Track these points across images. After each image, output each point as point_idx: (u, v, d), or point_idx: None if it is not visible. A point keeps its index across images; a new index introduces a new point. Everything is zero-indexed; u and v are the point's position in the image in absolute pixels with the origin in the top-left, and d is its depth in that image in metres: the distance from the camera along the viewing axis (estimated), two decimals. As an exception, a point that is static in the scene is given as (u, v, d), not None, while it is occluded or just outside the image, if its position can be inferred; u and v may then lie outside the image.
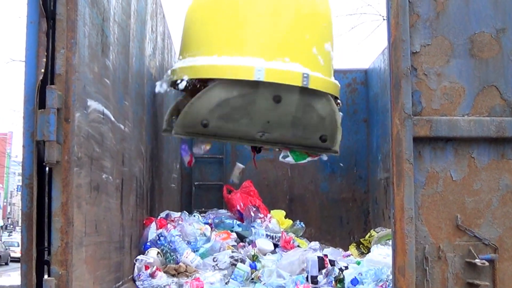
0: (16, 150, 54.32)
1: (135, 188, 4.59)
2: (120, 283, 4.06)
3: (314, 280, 4.60)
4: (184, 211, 5.78)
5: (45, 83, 2.90)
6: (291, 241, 5.46)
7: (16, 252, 32.16)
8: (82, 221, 3.11)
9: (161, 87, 5.68)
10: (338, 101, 5.70)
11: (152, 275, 4.38)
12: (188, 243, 4.96)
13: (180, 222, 5.30)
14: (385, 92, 7.22)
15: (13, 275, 21.09)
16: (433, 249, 3.25)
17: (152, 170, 5.54)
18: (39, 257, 2.87)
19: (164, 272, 4.54)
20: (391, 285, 4.38)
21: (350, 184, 8.11)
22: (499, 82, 3.34)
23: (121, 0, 4.06)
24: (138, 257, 4.54)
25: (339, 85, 5.66)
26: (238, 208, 5.91)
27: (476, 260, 3.20)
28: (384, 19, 14.38)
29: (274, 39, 5.29)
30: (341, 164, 7.71)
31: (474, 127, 3.27)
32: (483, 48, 3.35)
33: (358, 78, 8.20)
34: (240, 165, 6.58)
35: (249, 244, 5.32)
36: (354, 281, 4.44)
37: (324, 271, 4.56)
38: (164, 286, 4.34)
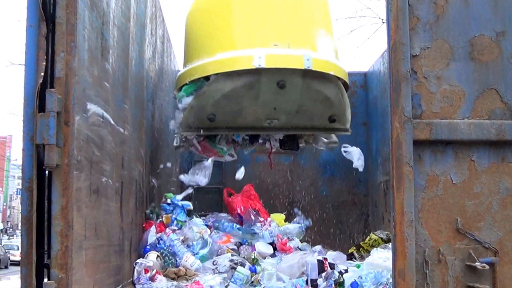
0: (16, 153, 54.38)
1: (134, 191, 4.59)
2: (120, 286, 4.05)
3: (314, 284, 4.59)
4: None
5: (44, 86, 2.90)
6: (287, 243, 5.44)
7: (16, 256, 32.15)
8: (82, 225, 3.11)
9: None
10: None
11: (151, 279, 4.37)
12: (188, 246, 4.95)
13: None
14: (384, 95, 7.22)
15: (13, 278, 21.09)
16: (433, 252, 3.24)
17: (152, 173, 5.53)
18: (39, 260, 2.87)
19: (164, 275, 4.54)
20: (391, 288, 4.38)
21: (349, 187, 8.10)
22: (499, 85, 3.34)
23: (121, 3, 4.05)
24: (138, 260, 4.53)
25: (346, 70, 5.71)
26: (239, 211, 5.90)
27: (477, 264, 3.19)
28: (383, 22, 14.38)
29: (273, 26, 5.36)
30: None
31: (474, 130, 3.27)
32: (483, 51, 3.35)
33: (357, 81, 8.19)
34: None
35: (250, 246, 5.31)
36: (354, 285, 4.43)
37: (324, 274, 4.55)
38: (163, 288, 4.34)
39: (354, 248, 5.68)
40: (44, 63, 2.92)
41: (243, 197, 6.18)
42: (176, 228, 5.28)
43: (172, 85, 6.95)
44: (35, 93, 2.86)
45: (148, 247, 4.82)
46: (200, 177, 6.18)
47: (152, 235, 4.93)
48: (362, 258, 5.42)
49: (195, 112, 5.46)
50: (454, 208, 3.27)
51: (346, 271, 4.69)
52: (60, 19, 2.94)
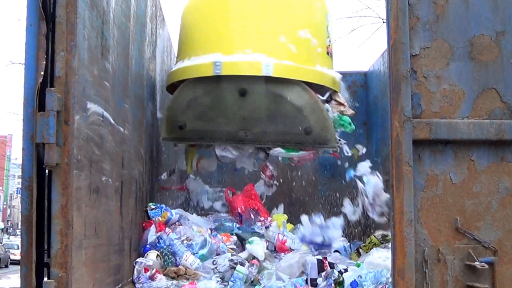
0: (16, 152, 54.31)
1: (134, 190, 4.59)
2: (120, 285, 4.05)
3: (314, 283, 4.59)
4: (182, 215, 5.75)
5: (44, 85, 2.90)
6: (286, 243, 5.43)
7: (16, 255, 32.16)
8: (81, 224, 3.11)
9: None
10: (339, 94, 5.64)
11: (151, 278, 4.38)
12: (188, 246, 4.95)
13: (179, 225, 5.30)
14: (384, 94, 7.20)
15: (13, 277, 21.09)
16: (432, 251, 3.24)
17: (152, 172, 5.54)
18: (39, 259, 2.87)
19: (164, 274, 4.54)
20: (390, 287, 4.38)
21: (349, 187, 8.09)
22: (499, 85, 3.34)
23: (121, 2, 4.05)
24: (138, 259, 4.53)
25: (336, 76, 5.59)
26: (239, 211, 5.90)
27: (476, 263, 3.19)
28: (383, 22, 14.37)
29: (234, 32, 5.35)
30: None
31: (473, 130, 3.27)
32: (483, 51, 3.35)
33: (357, 80, 8.18)
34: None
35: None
36: (354, 284, 4.43)
37: (323, 273, 4.55)
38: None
39: (355, 252, 5.66)
40: (44, 62, 2.92)
41: (244, 196, 6.17)
42: (177, 220, 5.31)
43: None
44: (35, 92, 2.87)
45: (148, 246, 4.82)
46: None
47: (152, 234, 4.93)
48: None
49: (168, 120, 5.57)
50: (453, 207, 3.27)
51: (346, 270, 4.69)
52: (60, 18, 2.94)
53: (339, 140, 5.87)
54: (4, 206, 60.47)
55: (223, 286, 4.53)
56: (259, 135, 5.56)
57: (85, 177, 3.17)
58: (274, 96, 5.22)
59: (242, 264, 4.76)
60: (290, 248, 5.36)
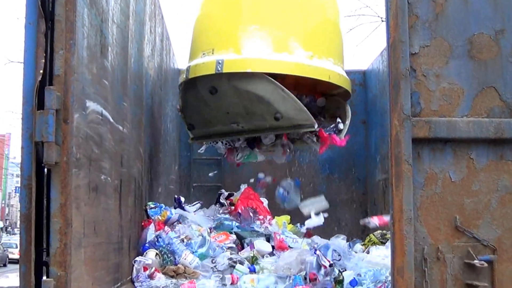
0: (14, 151, 54.31)
1: (133, 189, 4.58)
2: (119, 284, 4.05)
3: (313, 278, 4.59)
4: (181, 214, 5.75)
5: (43, 84, 2.89)
6: (284, 241, 5.44)
7: (14, 254, 32.14)
8: (80, 222, 3.11)
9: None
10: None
11: (150, 276, 4.37)
12: (187, 244, 4.95)
13: (178, 224, 5.30)
14: (383, 93, 7.21)
15: (11, 276, 21.07)
16: (432, 250, 3.24)
17: (151, 171, 5.53)
18: (38, 258, 2.87)
19: (163, 273, 4.54)
20: (390, 286, 4.38)
21: (348, 185, 8.10)
22: (498, 83, 3.34)
23: (120, 1, 4.05)
24: (137, 258, 4.53)
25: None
26: (239, 210, 5.91)
27: (475, 261, 3.20)
28: (382, 21, 14.38)
29: (202, 36, 5.75)
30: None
31: (473, 128, 3.27)
32: (482, 49, 3.35)
33: (356, 79, 8.18)
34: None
35: (248, 245, 5.31)
36: (353, 282, 4.44)
37: (322, 272, 4.54)
38: (162, 287, 4.33)
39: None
40: (43, 61, 2.91)
41: (243, 197, 6.18)
42: (176, 219, 5.32)
43: (171, 82, 6.95)
44: (34, 90, 2.86)
45: (147, 245, 4.81)
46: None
47: (151, 233, 4.93)
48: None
49: (186, 122, 6.04)
50: (452, 206, 3.27)
51: (345, 269, 4.69)
52: (59, 16, 2.94)
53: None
54: (3, 205, 60.45)
55: (222, 285, 4.53)
56: (249, 127, 5.75)
57: (84, 176, 3.16)
58: (239, 90, 5.41)
59: (241, 263, 4.76)
60: (289, 246, 5.37)
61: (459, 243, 3.25)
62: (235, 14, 5.61)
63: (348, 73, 8.24)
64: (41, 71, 2.89)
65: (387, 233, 5.38)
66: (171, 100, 6.95)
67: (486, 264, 3.21)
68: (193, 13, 6.09)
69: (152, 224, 5.05)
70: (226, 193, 6.41)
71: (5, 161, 52.31)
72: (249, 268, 4.78)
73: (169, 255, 4.77)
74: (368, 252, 5.19)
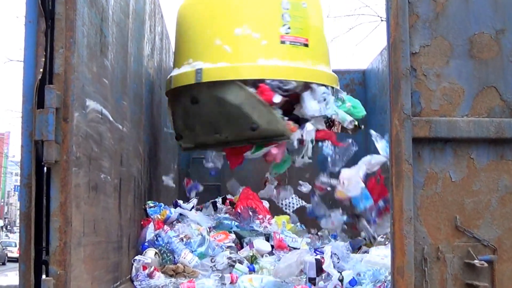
0: (14, 150, 54.28)
1: (133, 188, 4.58)
2: (118, 283, 4.05)
3: (312, 282, 4.58)
4: (180, 213, 5.74)
5: (43, 82, 2.89)
6: (283, 240, 5.43)
7: (13, 252, 32.15)
8: (80, 221, 3.10)
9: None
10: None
11: (150, 275, 4.36)
12: (186, 244, 4.94)
13: (177, 223, 5.30)
14: (383, 93, 7.21)
15: (10, 275, 21.07)
16: (432, 250, 3.24)
17: (150, 170, 5.53)
18: (37, 257, 2.86)
19: (162, 272, 4.53)
20: (389, 286, 4.37)
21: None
22: (499, 83, 3.34)
23: (120, 0, 4.05)
24: (136, 257, 4.52)
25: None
26: (239, 210, 5.90)
27: (475, 261, 3.19)
28: (382, 20, 14.37)
29: (181, 46, 5.77)
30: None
31: (473, 128, 3.26)
32: (483, 49, 3.34)
33: (356, 79, 8.18)
34: None
35: (247, 245, 5.31)
36: (353, 282, 4.42)
37: (324, 274, 4.53)
38: (162, 286, 4.32)
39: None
40: (43, 59, 2.91)
41: (242, 197, 6.17)
42: (176, 218, 5.35)
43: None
44: (34, 89, 2.85)
45: (146, 244, 4.81)
46: None
47: (150, 232, 4.92)
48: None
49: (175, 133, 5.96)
50: (453, 205, 3.27)
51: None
52: (59, 15, 2.93)
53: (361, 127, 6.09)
54: (2, 203, 60.44)
55: (221, 284, 4.53)
56: (233, 137, 5.65)
57: (84, 175, 3.16)
58: (217, 100, 5.36)
59: (240, 262, 4.76)
60: (288, 246, 5.36)
61: (459, 243, 3.25)
62: (213, 23, 5.55)
63: (348, 72, 8.26)
64: (41, 70, 2.89)
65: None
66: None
67: (486, 264, 3.20)
68: (172, 24, 6.06)
69: (152, 223, 5.05)
70: (220, 199, 6.38)
71: (4, 160, 52.31)
72: (248, 267, 4.77)
73: (168, 254, 4.76)
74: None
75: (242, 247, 5.29)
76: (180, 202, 5.89)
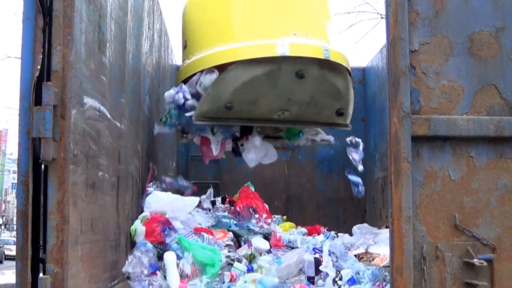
0: (11, 147, 54.31)
1: (131, 186, 4.58)
2: (116, 281, 4.05)
3: (311, 281, 4.59)
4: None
5: (41, 79, 2.89)
6: (281, 240, 5.43)
7: (12, 250, 32.10)
8: (77, 219, 3.10)
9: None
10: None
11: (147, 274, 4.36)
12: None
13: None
14: (383, 90, 7.21)
15: (8, 273, 21.02)
16: (431, 248, 3.24)
17: (148, 168, 5.53)
18: (35, 255, 2.86)
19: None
20: (388, 285, 4.38)
21: (347, 183, 8.04)
22: (498, 81, 3.34)
23: (118, -4, 4.05)
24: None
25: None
26: (238, 209, 5.91)
27: (474, 260, 3.20)
28: (382, 18, 14.35)
29: (290, 15, 5.43)
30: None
31: (472, 126, 3.27)
32: (482, 46, 3.35)
33: (355, 76, 8.16)
34: None
35: (244, 243, 5.31)
36: (351, 281, 4.44)
37: (322, 273, 4.54)
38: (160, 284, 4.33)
39: None
40: (41, 56, 2.90)
41: (242, 196, 6.18)
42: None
43: (169, 79, 6.94)
44: (31, 86, 2.85)
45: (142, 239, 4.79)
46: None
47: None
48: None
49: (212, 100, 5.39)
50: (452, 204, 3.27)
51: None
52: (57, 11, 2.93)
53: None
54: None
55: (221, 282, 4.53)
56: (291, 116, 5.71)
57: (81, 172, 3.16)
58: (324, 80, 5.42)
59: (239, 261, 4.77)
60: (286, 245, 5.36)
61: (459, 242, 3.25)
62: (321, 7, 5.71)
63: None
64: (39, 67, 2.89)
65: None
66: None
67: (485, 263, 3.21)
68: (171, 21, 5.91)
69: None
70: (219, 198, 6.37)
71: (2, 157, 52.24)
72: (247, 266, 4.78)
73: (165, 252, 4.75)
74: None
75: (240, 246, 5.30)
76: None
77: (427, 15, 3.34)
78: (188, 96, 5.46)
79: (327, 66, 5.34)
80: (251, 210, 5.85)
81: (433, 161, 3.29)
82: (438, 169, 3.29)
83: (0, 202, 59.92)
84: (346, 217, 7.96)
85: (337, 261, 4.70)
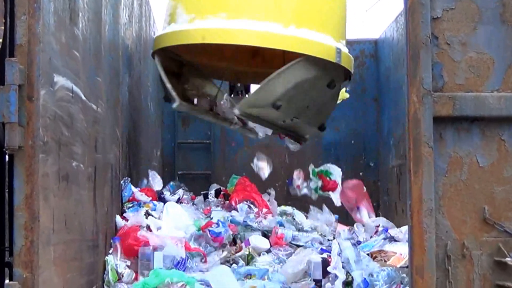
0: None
1: (110, 178, 4.58)
2: (94, 287, 4.05)
3: (318, 284, 4.60)
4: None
5: (3, 55, 2.87)
6: (284, 238, 5.45)
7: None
8: (49, 216, 3.09)
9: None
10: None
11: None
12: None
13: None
14: (398, 66, 7.21)
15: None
16: (456, 246, 3.23)
17: (129, 157, 5.53)
18: (-1, 258, 2.86)
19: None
20: (406, 287, 4.39)
21: (357, 173, 8.11)
22: (534, 52, 3.32)
23: (92, -41, 4.02)
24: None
25: None
26: (233, 203, 5.93)
27: (507, 259, 3.19)
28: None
29: (334, 15, 5.50)
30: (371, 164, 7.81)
31: (504, 105, 3.24)
32: (517, 12, 3.32)
33: (366, 50, 8.20)
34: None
35: (241, 241, 5.32)
36: (364, 283, 4.45)
37: (330, 275, 4.55)
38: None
39: None
40: (3, 28, 2.89)
41: (239, 189, 6.19)
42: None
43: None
44: (-8, 63, 2.84)
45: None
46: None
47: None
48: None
49: (264, 95, 5.41)
50: (480, 195, 3.26)
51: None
52: (21, -25, 2.90)
53: None
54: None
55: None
56: (292, 124, 5.79)
57: (52, 162, 3.15)
58: (336, 92, 5.65)
59: (236, 262, 4.78)
60: (290, 243, 5.37)
61: (488, 238, 3.24)
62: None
63: (357, 42, 8.27)
64: (1, 40, 2.87)
65: None
66: (152, 75, 6.92)
67: (519, 262, 3.20)
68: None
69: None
70: (212, 192, 6.39)
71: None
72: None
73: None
74: None
75: (235, 244, 5.31)
76: (167, 194, 5.90)
77: (451, -24, 3.31)
78: None
79: (341, 75, 5.49)
80: (248, 205, 5.86)
81: (459, 145, 3.28)
82: (465, 155, 3.27)
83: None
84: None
85: (348, 263, 4.70)
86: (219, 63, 6.23)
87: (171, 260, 4.59)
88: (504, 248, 3.22)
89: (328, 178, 6.61)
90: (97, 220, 4.14)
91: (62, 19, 3.37)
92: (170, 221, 5.16)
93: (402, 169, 6.84)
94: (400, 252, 4.99)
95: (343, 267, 4.65)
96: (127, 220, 5.02)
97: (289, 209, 6.50)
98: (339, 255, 4.71)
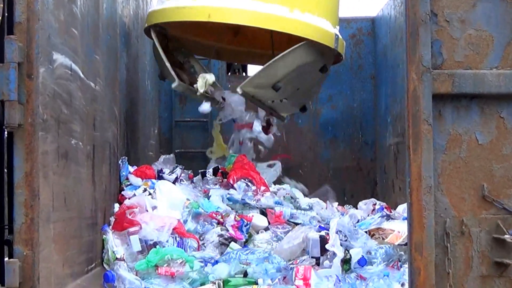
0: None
1: (108, 156, 4.58)
2: (93, 265, 4.06)
3: (316, 262, 4.61)
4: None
5: (2, 33, 2.86)
6: (282, 216, 5.45)
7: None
8: (49, 194, 3.10)
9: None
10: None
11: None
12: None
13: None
14: (395, 44, 7.18)
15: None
16: (455, 223, 3.23)
17: (127, 135, 5.52)
18: (-1, 236, 2.86)
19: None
20: (404, 264, 4.41)
21: (354, 151, 8.13)
22: (534, 29, 3.31)
23: None
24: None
25: None
26: (231, 181, 5.92)
27: (506, 236, 3.18)
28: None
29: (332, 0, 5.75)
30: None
31: (504, 82, 3.23)
32: (517, -12, 3.30)
33: (364, 27, 8.15)
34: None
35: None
36: (362, 261, 4.46)
37: (328, 253, 4.56)
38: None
39: None
40: (1, 6, 2.87)
41: (236, 167, 6.20)
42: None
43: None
44: (-9, 41, 2.83)
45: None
46: None
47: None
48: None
49: (266, 76, 5.58)
50: (479, 172, 3.25)
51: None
52: (20, -48, 2.88)
53: None
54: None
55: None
56: (279, 104, 6.12)
57: (52, 140, 3.14)
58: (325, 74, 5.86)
59: (234, 240, 4.79)
60: (288, 220, 5.38)
61: (487, 215, 3.24)
62: None
63: (354, 20, 8.24)
64: (0, 18, 2.85)
65: None
66: (149, 53, 6.89)
67: (518, 239, 3.21)
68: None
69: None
70: (210, 170, 6.41)
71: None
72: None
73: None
74: None
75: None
76: (166, 171, 5.88)
77: (451, -49, 3.30)
78: None
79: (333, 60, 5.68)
80: (246, 183, 5.87)
81: (458, 123, 3.27)
82: (464, 132, 3.27)
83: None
84: (353, 190, 7.99)
85: (346, 240, 4.71)
86: (202, 40, 6.40)
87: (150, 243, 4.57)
88: (502, 225, 3.22)
89: None
90: (96, 198, 4.15)
91: (61, -3, 3.36)
92: (164, 200, 5.13)
93: (400, 147, 6.84)
94: (398, 229, 5.00)
95: (341, 245, 4.65)
96: (124, 199, 5.02)
97: (287, 187, 6.49)
98: (337, 232, 4.71)
